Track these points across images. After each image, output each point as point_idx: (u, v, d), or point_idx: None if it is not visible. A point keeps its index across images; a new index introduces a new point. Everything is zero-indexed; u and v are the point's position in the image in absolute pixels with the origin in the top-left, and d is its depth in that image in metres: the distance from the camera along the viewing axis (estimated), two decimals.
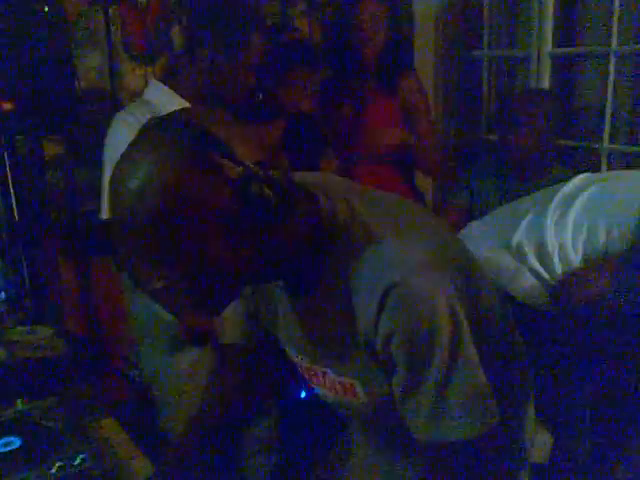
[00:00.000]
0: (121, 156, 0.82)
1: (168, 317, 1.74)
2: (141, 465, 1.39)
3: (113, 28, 2.45)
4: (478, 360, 0.90)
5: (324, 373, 1.06)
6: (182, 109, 0.92)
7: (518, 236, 1.61)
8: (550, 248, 1.55)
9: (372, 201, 0.99)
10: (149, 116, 1.63)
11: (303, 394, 2.24)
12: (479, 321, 0.92)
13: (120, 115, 1.72)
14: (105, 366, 2.00)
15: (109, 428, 1.52)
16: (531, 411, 1.19)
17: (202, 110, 0.93)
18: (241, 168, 0.79)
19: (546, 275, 1.58)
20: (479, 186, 2.26)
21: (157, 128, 0.82)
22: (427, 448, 0.94)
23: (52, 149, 2.44)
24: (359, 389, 1.02)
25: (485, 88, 2.83)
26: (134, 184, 0.78)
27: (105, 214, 1.74)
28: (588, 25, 2.45)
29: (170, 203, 0.78)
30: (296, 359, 1.11)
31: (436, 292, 0.86)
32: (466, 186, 2.30)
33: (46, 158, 2.44)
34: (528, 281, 1.58)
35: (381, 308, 0.87)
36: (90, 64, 2.46)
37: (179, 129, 0.80)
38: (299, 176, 0.97)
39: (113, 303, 2.46)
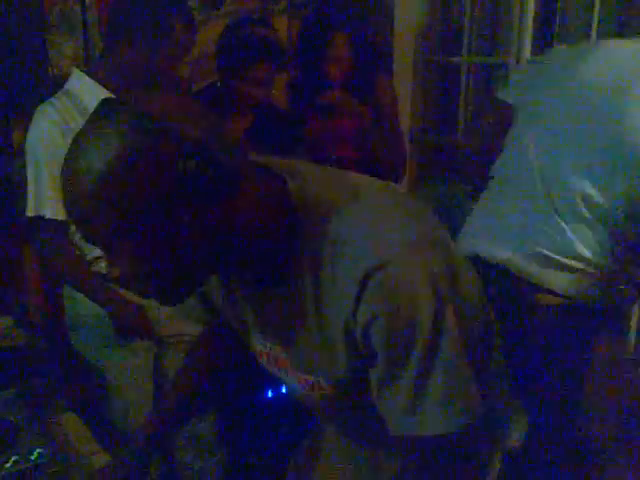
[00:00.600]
0: (72, 140, 0.81)
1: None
2: (102, 461, 1.35)
3: (89, 14, 2.40)
4: (462, 350, 0.87)
5: (289, 365, 1.02)
6: (129, 93, 0.90)
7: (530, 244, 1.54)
8: (560, 237, 1.49)
9: (345, 184, 0.95)
10: (70, 106, 1.65)
11: (270, 393, 2.22)
12: (461, 308, 0.88)
13: (41, 107, 1.68)
14: (67, 358, 1.94)
15: (70, 423, 1.48)
16: (506, 398, 1.16)
17: (147, 93, 0.91)
18: (182, 145, 0.78)
19: (579, 264, 1.50)
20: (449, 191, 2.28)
21: (103, 112, 0.80)
22: (404, 443, 0.92)
23: (21, 137, 2.38)
24: (324, 384, 0.98)
25: (463, 95, 2.84)
26: (81, 166, 0.78)
27: (30, 211, 1.69)
28: (567, 32, 2.47)
29: (115, 185, 0.77)
30: (262, 347, 1.06)
31: (417, 277, 0.83)
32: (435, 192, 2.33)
33: (14, 146, 2.37)
34: (565, 278, 1.51)
35: (360, 295, 0.84)
36: (65, 51, 2.41)
37: (124, 112, 0.79)
38: (265, 159, 0.94)
39: None
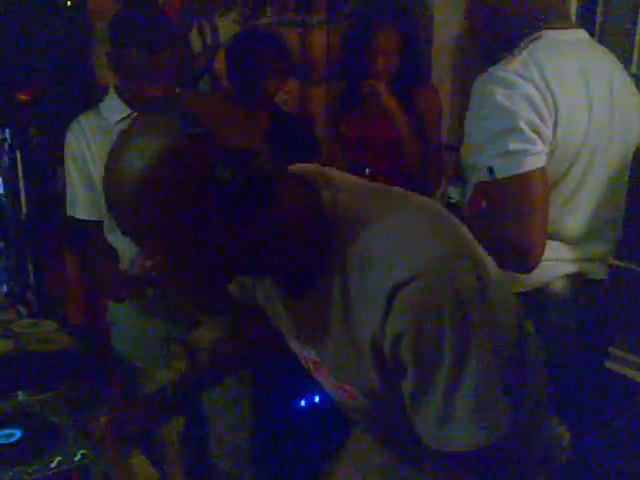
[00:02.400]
0: (117, 137, 0.85)
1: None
2: (140, 465, 1.37)
3: None
4: (490, 365, 0.86)
5: (328, 374, 1.03)
6: (176, 94, 0.93)
7: None
8: None
9: (377, 195, 0.96)
10: (94, 123, 1.78)
11: (317, 399, 2.23)
12: (491, 319, 0.88)
13: (73, 122, 1.82)
14: (106, 363, 1.98)
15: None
16: (548, 415, 1.15)
17: (194, 94, 0.93)
18: (226, 151, 0.80)
19: None
20: None
21: (148, 113, 0.84)
22: (436, 457, 0.92)
23: None
24: (357, 394, 0.99)
25: None
26: (124, 162, 0.81)
27: (71, 211, 1.84)
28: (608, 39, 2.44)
29: (155, 182, 0.79)
30: (303, 353, 1.07)
31: (445, 292, 0.83)
32: None
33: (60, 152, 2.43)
34: None
35: (389, 308, 0.84)
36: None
37: (169, 112, 0.81)
38: (300, 167, 0.96)
39: None
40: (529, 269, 1.34)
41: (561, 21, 1.41)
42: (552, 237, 1.38)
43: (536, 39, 1.36)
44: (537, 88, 1.29)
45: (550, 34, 1.37)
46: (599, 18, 2.47)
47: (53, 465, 1.19)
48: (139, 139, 0.81)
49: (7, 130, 2.36)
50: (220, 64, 2.76)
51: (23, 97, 2.05)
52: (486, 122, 1.32)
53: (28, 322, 1.83)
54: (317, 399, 2.40)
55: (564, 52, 1.37)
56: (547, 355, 1.14)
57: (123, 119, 1.75)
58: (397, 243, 0.86)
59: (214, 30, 2.82)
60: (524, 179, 1.28)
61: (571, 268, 1.44)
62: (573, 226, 1.42)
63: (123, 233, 0.87)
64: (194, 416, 1.97)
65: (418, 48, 2.69)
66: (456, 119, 2.86)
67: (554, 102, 1.29)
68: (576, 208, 1.41)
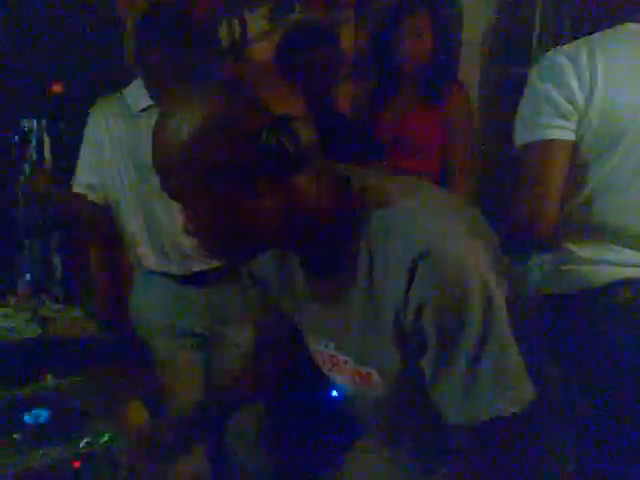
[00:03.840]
0: (165, 100, 0.95)
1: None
2: None
3: None
4: (511, 333, 0.88)
5: (345, 362, 1.05)
6: (227, 65, 0.97)
7: None
8: None
9: (404, 180, 1.01)
10: (117, 108, 1.81)
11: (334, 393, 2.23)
12: (503, 290, 0.90)
13: (96, 104, 1.87)
14: (130, 351, 2.01)
15: (135, 411, 1.53)
16: None
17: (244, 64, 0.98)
18: (267, 118, 0.84)
19: None
20: None
21: (197, 77, 0.90)
22: (458, 435, 0.93)
23: None
24: (376, 379, 1.01)
25: None
26: (171, 123, 0.86)
27: (76, 187, 1.86)
28: None
29: (199, 144, 0.85)
30: (319, 347, 1.09)
31: (467, 261, 0.85)
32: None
33: None
34: None
35: (411, 279, 0.86)
36: None
37: (217, 77, 0.88)
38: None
39: None
40: (538, 238, 1.38)
41: None
42: (615, 241, 1.38)
43: (611, 28, 1.39)
44: (578, 71, 1.32)
45: (629, 26, 1.38)
46: None
47: (81, 446, 1.22)
48: (188, 103, 0.86)
49: (35, 122, 2.42)
50: (249, 60, 2.79)
51: (56, 89, 2.09)
52: (525, 100, 1.39)
53: (57, 307, 1.87)
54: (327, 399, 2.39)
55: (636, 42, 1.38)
56: (607, 361, 1.15)
57: (146, 108, 1.78)
58: (420, 217, 0.89)
59: (243, 26, 2.85)
60: (536, 147, 1.35)
61: (632, 273, 1.41)
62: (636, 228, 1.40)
63: (168, 194, 0.91)
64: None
65: (451, 33, 2.64)
66: (482, 120, 2.86)
67: (592, 82, 1.32)
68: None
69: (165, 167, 0.89)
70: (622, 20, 1.39)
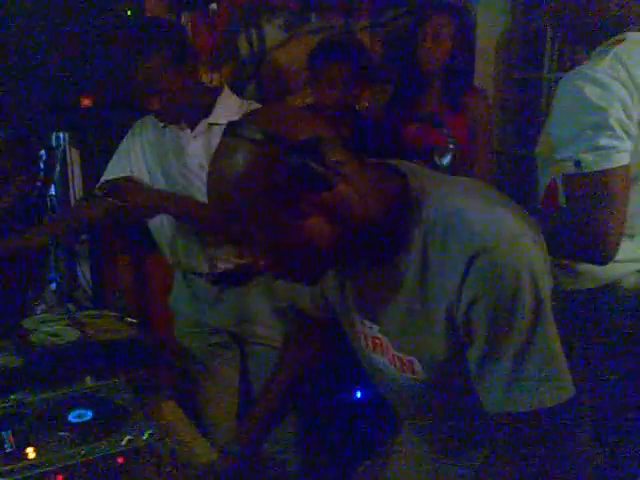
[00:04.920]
0: (214, 152, 0.97)
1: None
2: (202, 448, 1.46)
3: None
4: (555, 331, 0.94)
5: (387, 346, 1.10)
6: (254, 110, 1.05)
7: None
8: None
9: (454, 180, 1.08)
10: (150, 123, 1.94)
11: (358, 394, 2.28)
12: (550, 288, 0.96)
13: (137, 122, 2.02)
14: (157, 357, 2.08)
15: (170, 410, 1.60)
16: None
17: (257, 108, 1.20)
18: (294, 145, 0.90)
19: None
20: None
21: (231, 131, 0.94)
22: (499, 425, 0.98)
23: None
24: (417, 367, 1.06)
25: (544, 111, 2.84)
26: (217, 175, 0.95)
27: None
28: None
29: (243, 191, 0.91)
30: (364, 327, 1.14)
31: (522, 261, 0.92)
32: None
33: None
34: None
35: (467, 273, 0.92)
36: None
37: (244, 129, 0.93)
38: (383, 161, 1.06)
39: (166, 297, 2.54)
40: (605, 261, 1.39)
41: None
42: (628, 236, 1.42)
43: (620, 41, 1.41)
44: (625, 87, 1.35)
45: (634, 36, 1.42)
46: None
47: (123, 443, 1.28)
48: (222, 161, 0.94)
49: (62, 134, 2.49)
50: (267, 70, 2.85)
51: (86, 102, 2.16)
52: (576, 117, 1.38)
53: (93, 313, 1.94)
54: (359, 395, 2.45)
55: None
56: (619, 352, 1.19)
57: (165, 125, 1.90)
58: (477, 217, 0.94)
59: (261, 37, 2.91)
60: (610, 175, 1.34)
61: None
62: None
63: (235, 242, 1.01)
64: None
65: (470, 39, 2.70)
66: (498, 122, 2.90)
67: (635, 98, 1.35)
68: None
69: (224, 214, 0.95)
70: (623, 29, 1.43)
